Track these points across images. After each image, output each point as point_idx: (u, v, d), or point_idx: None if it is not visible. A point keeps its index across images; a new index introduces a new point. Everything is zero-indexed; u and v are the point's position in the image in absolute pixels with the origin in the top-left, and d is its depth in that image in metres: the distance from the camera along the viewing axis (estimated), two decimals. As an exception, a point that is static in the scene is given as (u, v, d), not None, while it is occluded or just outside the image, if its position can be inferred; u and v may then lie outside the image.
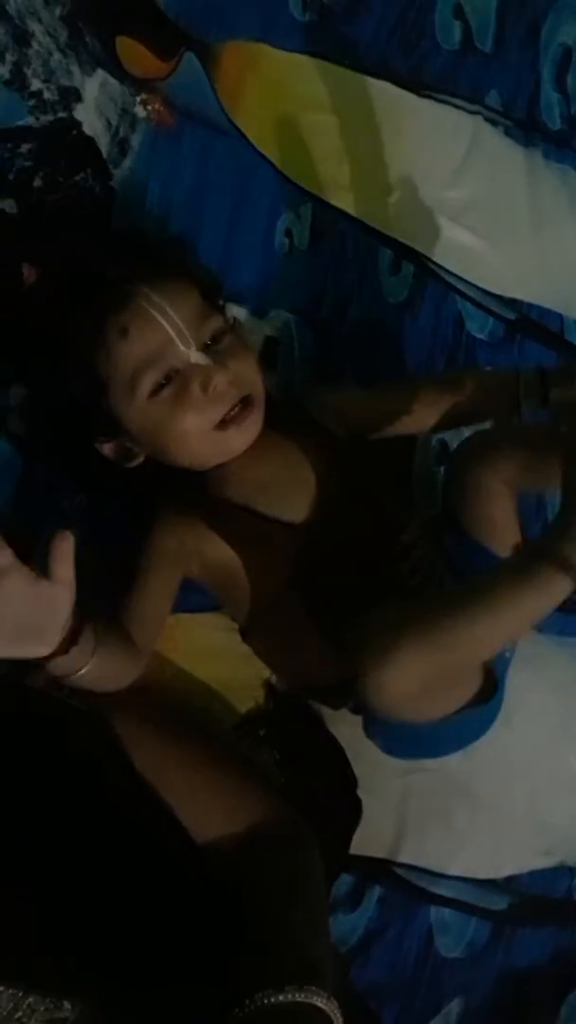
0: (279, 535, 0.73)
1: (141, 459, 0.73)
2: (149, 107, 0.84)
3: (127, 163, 0.83)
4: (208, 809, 0.64)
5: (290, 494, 0.73)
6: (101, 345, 0.68)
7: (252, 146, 0.87)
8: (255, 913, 0.60)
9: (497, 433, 0.79)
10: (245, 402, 0.70)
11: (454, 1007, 0.86)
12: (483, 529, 0.75)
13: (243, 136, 0.87)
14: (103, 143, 0.82)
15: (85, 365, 0.69)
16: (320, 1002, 0.54)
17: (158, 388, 0.69)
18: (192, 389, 0.68)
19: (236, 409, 0.70)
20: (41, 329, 0.71)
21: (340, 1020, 0.54)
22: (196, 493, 0.74)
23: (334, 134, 0.91)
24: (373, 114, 0.93)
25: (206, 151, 0.86)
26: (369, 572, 0.74)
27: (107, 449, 0.73)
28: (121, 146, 0.82)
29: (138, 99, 0.84)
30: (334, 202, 0.91)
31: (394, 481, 0.87)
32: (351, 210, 0.92)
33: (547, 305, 1.02)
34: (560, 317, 1.02)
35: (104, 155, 0.82)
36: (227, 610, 0.78)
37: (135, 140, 0.83)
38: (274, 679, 0.81)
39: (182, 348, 0.68)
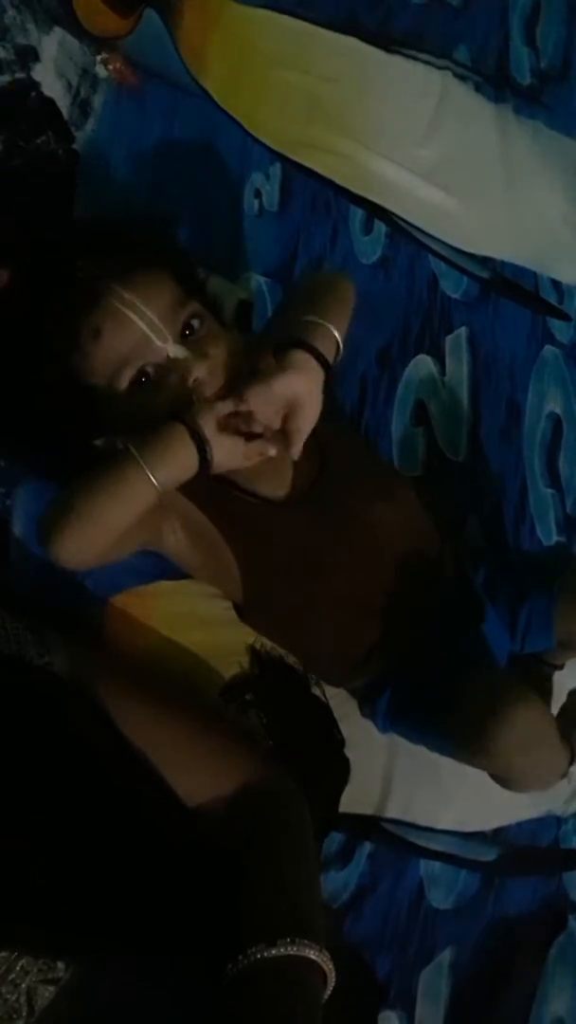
0: (262, 512, 0.71)
1: (117, 441, 0.68)
2: (110, 66, 0.79)
3: (90, 125, 0.78)
4: (196, 768, 0.62)
5: (270, 470, 0.70)
6: (75, 348, 0.65)
7: (218, 106, 0.83)
8: (246, 869, 0.58)
9: None
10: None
11: (446, 956, 0.85)
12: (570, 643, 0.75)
13: (208, 96, 0.82)
14: (63, 104, 0.77)
15: (62, 368, 0.66)
16: (312, 954, 0.52)
17: (138, 382, 0.66)
18: (172, 383, 0.65)
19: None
20: (17, 331, 0.66)
21: (332, 972, 0.53)
22: None
23: (301, 92, 0.86)
24: (340, 71, 0.88)
25: (171, 112, 0.81)
26: (366, 557, 0.72)
27: (100, 446, 0.69)
28: (83, 108, 0.78)
29: (98, 58, 0.79)
30: (303, 162, 0.87)
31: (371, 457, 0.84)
32: (321, 170, 0.87)
33: (521, 263, 0.98)
34: (534, 275, 0.99)
35: (65, 117, 0.77)
36: (216, 589, 0.75)
37: (97, 101, 0.79)
38: (258, 643, 0.78)
39: (158, 343, 0.65)
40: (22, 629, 0.62)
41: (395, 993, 0.80)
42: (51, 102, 0.76)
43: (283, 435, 0.64)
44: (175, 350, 0.65)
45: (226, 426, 0.63)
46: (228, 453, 0.64)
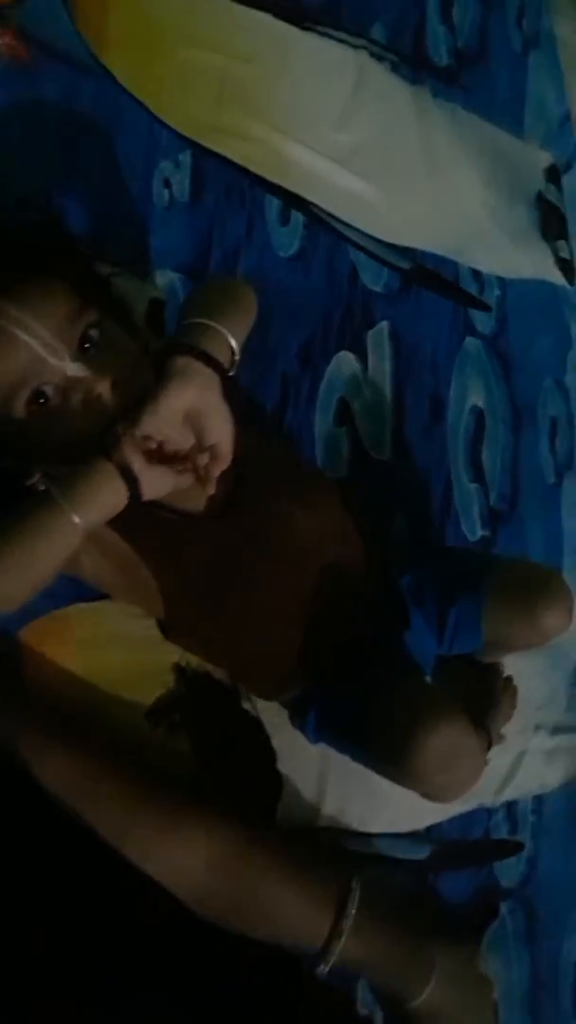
0: (178, 527, 0.66)
1: (36, 477, 0.63)
2: (-1, 41, 0.71)
3: (-24, 107, 0.70)
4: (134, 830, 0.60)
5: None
6: None
7: (121, 87, 0.76)
8: None
9: None
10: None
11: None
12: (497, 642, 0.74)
13: (110, 75, 0.75)
14: (-54, 83, 0.69)
15: None
16: None
17: (35, 403, 0.60)
18: (74, 404, 0.60)
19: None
20: None
21: None
22: None
23: (211, 72, 0.80)
24: (253, 49, 0.82)
25: (69, 93, 0.74)
26: (292, 569, 0.69)
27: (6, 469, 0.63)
28: (-33, 87, 0.70)
29: (-15, 31, 0.71)
30: (215, 148, 0.81)
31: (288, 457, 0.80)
32: (234, 156, 0.82)
33: (442, 252, 0.95)
34: (454, 264, 0.96)
35: (-53, 97, 0.69)
36: (137, 608, 0.71)
37: (-15, 80, 0.70)
38: (183, 661, 0.75)
39: (54, 362, 0.59)
40: None
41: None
42: None
43: (204, 450, 0.60)
44: (73, 368, 0.59)
45: (149, 455, 0.58)
46: (158, 484, 0.59)
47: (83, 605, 0.70)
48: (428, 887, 0.84)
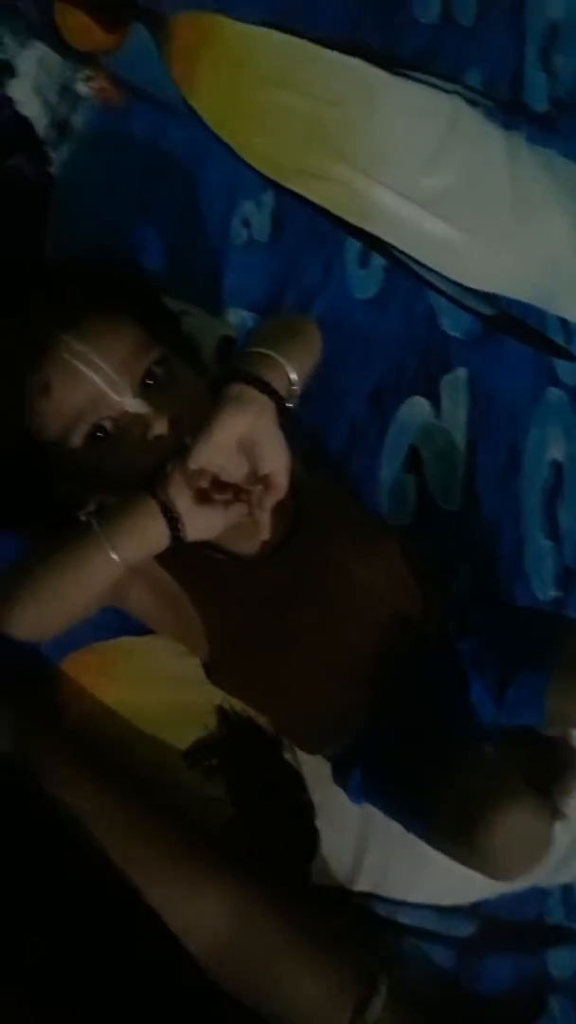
0: (230, 569, 0.65)
1: (91, 507, 0.62)
2: (93, 84, 0.74)
3: (67, 147, 0.72)
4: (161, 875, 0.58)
5: (240, 523, 0.62)
6: (25, 403, 0.60)
7: (207, 128, 0.77)
8: None
9: None
10: None
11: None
12: (563, 716, 0.68)
13: (198, 117, 0.77)
14: (40, 124, 0.72)
15: (11, 423, 0.61)
16: None
17: (94, 437, 0.60)
18: (132, 438, 0.60)
19: None
20: None
21: None
22: None
23: (298, 115, 0.80)
24: (341, 93, 0.82)
25: (156, 133, 0.76)
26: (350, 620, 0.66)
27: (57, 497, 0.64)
28: (61, 128, 0.72)
29: (80, 75, 0.73)
30: (298, 189, 0.81)
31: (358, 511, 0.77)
32: (317, 198, 0.81)
33: (528, 300, 0.92)
34: (540, 312, 0.92)
35: (41, 137, 0.72)
36: (181, 644, 0.70)
37: (77, 121, 0.73)
38: (227, 703, 0.73)
39: (115, 397, 0.59)
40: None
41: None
42: (26, 121, 0.71)
43: (259, 480, 0.57)
44: (133, 404, 0.59)
45: (201, 494, 0.57)
46: (205, 525, 0.58)
47: (128, 639, 0.70)
48: (467, 970, 0.79)
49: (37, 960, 0.53)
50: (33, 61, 0.71)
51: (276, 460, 0.56)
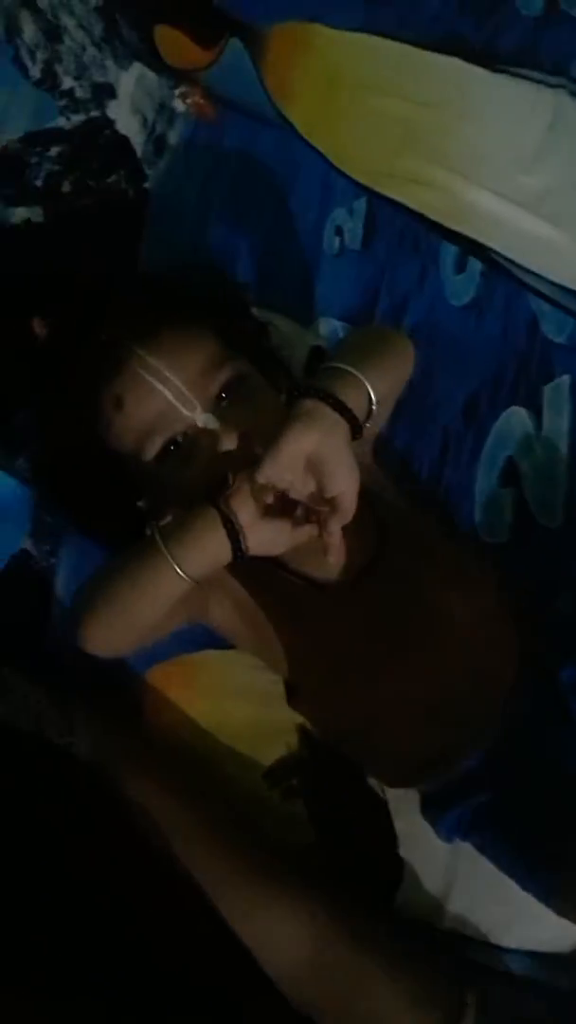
0: (311, 597, 0.63)
1: (167, 519, 0.62)
2: (188, 100, 0.74)
3: (163, 162, 0.73)
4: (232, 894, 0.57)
5: (320, 548, 0.60)
6: (99, 415, 0.60)
7: (301, 137, 0.76)
8: None
9: None
10: None
11: None
12: None
13: (291, 127, 0.76)
14: (138, 142, 0.73)
15: (88, 434, 0.62)
16: None
17: (166, 452, 0.60)
18: (203, 453, 0.59)
19: None
20: (48, 391, 0.63)
21: None
22: None
23: (393, 119, 0.78)
24: (437, 95, 0.79)
25: (249, 145, 0.75)
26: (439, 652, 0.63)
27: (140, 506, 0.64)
28: (157, 144, 0.73)
29: (176, 92, 0.74)
30: (393, 195, 0.78)
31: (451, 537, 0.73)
32: (412, 203, 0.79)
33: None
34: None
35: (139, 154, 0.73)
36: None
37: (172, 137, 0.74)
38: (308, 723, 0.71)
39: (186, 413, 0.59)
40: (45, 703, 0.59)
41: None
42: (125, 140, 0.72)
43: (326, 501, 0.55)
44: (204, 419, 0.58)
45: (267, 509, 0.56)
46: (268, 541, 0.56)
47: (213, 652, 0.69)
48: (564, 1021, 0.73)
49: (103, 972, 0.53)
50: (132, 82, 0.73)
51: (344, 482, 0.54)
